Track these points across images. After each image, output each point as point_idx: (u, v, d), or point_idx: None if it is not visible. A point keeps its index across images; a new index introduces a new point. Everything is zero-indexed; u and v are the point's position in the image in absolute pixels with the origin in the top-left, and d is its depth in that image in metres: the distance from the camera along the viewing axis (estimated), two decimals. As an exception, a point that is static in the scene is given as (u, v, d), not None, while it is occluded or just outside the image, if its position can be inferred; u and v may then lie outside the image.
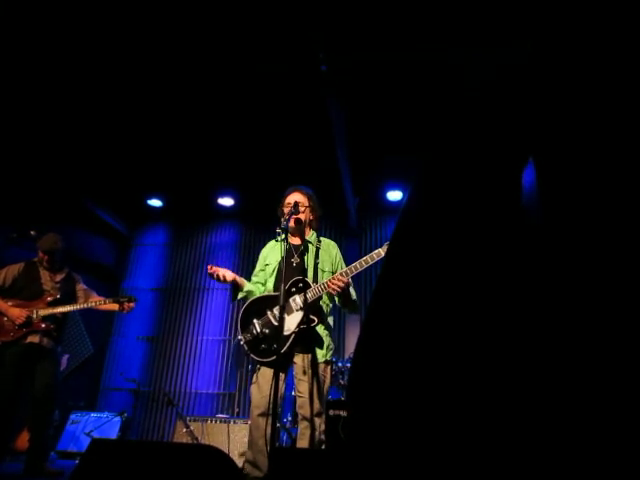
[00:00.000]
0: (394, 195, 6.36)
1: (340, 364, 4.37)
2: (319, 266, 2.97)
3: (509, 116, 0.80)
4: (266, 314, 2.83)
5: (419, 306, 0.82)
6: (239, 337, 2.86)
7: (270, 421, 2.63)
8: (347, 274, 2.76)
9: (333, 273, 2.95)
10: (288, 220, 2.79)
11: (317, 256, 2.97)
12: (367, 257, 2.77)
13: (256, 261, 3.24)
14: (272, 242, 3.23)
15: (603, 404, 0.62)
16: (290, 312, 2.77)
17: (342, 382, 4.25)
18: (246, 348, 2.80)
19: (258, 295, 2.97)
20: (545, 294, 0.70)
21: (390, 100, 4.71)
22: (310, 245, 3.05)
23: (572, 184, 0.72)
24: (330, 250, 3.09)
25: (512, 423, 0.67)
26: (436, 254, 0.86)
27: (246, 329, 2.83)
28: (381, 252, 2.76)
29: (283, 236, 3.07)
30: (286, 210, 3.03)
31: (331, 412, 3.80)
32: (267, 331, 2.78)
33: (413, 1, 3.56)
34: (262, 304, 2.88)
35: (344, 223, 6.75)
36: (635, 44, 0.72)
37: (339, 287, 2.71)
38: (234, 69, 4.37)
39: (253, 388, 2.75)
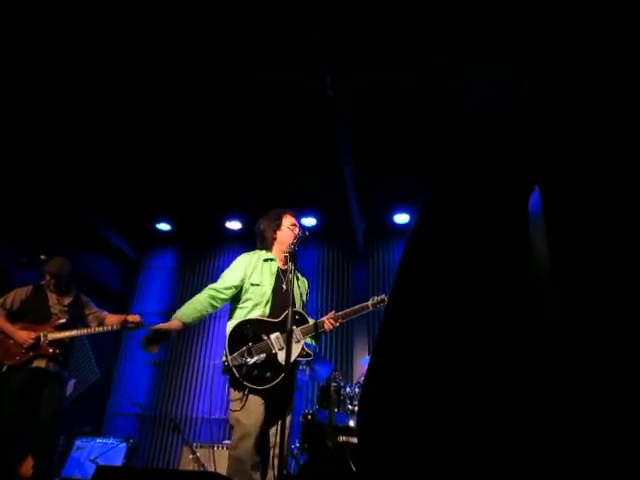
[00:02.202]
0: (401, 218, 6.35)
1: (348, 389, 4.31)
2: (302, 298, 3.02)
3: (516, 145, 0.81)
4: (263, 340, 2.65)
5: (429, 332, 0.82)
6: (227, 359, 2.60)
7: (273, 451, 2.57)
8: (341, 319, 2.92)
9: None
10: (296, 244, 2.78)
11: (299, 286, 2.97)
12: (357, 307, 3.00)
13: None
14: (252, 257, 3.01)
15: (602, 405, 0.62)
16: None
17: (350, 407, 4.18)
18: (236, 372, 2.55)
19: (250, 317, 2.76)
20: (551, 325, 0.70)
21: (397, 123, 4.76)
22: (290, 273, 2.97)
23: (576, 209, 0.73)
24: (306, 283, 3.17)
25: (524, 459, 0.66)
26: (445, 279, 0.85)
27: (237, 352, 2.60)
28: (369, 305, 3.01)
29: (269, 255, 3.05)
30: (293, 231, 3.04)
31: (340, 438, 3.73)
32: (264, 357, 2.60)
33: (421, 24, 3.63)
34: (257, 327, 2.69)
35: (351, 246, 6.74)
36: (628, 79, 0.74)
37: (332, 329, 2.89)
38: (242, 93, 4.45)
39: (241, 415, 2.50)
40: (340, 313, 2.94)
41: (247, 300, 2.84)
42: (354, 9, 3.53)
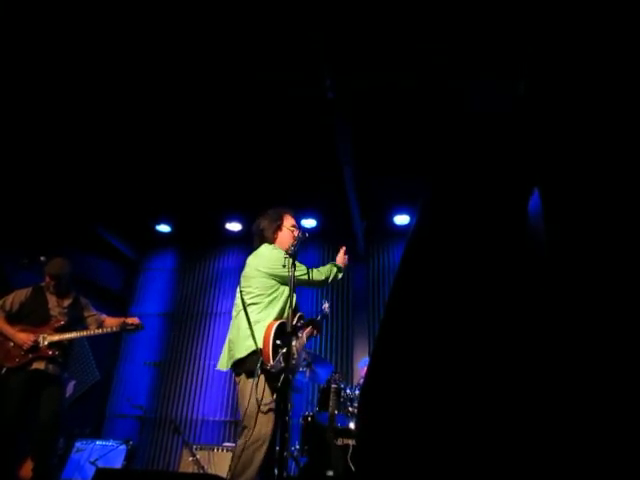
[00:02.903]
0: (402, 219, 6.34)
1: (348, 391, 4.31)
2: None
3: (515, 147, 0.81)
4: (291, 344, 2.57)
5: (429, 333, 0.81)
6: (269, 363, 2.51)
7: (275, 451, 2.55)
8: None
9: None
10: (297, 246, 2.77)
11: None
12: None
13: None
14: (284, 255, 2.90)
15: (603, 404, 0.61)
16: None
17: (350, 409, 4.18)
18: (276, 378, 2.50)
19: (280, 320, 2.72)
20: (550, 326, 0.70)
21: (397, 124, 4.76)
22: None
23: (576, 211, 0.73)
24: None
25: (525, 464, 0.66)
26: (444, 280, 0.85)
27: (276, 357, 2.54)
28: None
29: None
30: (293, 232, 3.02)
31: (340, 441, 3.73)
32: (292, 361, 2.55)
33: (421, 24, 3.64)
34: (282, 331, 2.65)
35: (351, 247, 6.71)
36: (622, 83, 0.74)
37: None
38: (242, 94, 4.45)
39: (264, 419, 2.45)
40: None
41: (279, 298, 2.81)
42: (354, 9, 3.53)
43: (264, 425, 2.45)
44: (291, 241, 2.89)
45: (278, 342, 2.59)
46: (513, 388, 0.72)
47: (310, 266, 3.00)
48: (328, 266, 3.05)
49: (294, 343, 2.64)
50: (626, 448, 0.61)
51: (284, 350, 2.57)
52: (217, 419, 6.21)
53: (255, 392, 2.50)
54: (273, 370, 2.50)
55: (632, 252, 0.67)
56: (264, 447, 2.41)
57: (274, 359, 2.52)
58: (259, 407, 2.48)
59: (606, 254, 0.70)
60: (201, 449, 4.42)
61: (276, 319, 2.72)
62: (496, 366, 0.75)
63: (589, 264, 0.70)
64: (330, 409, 3.95)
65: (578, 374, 0.66)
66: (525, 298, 0.76)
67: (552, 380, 0.68)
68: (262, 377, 2.53)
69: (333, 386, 4.09)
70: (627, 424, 0.61)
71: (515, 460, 0.70)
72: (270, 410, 2.48)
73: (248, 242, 3.18)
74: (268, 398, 2.51)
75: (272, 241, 3.03)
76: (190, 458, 4.31)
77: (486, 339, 0.77)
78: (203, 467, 4.25)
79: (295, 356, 2.63)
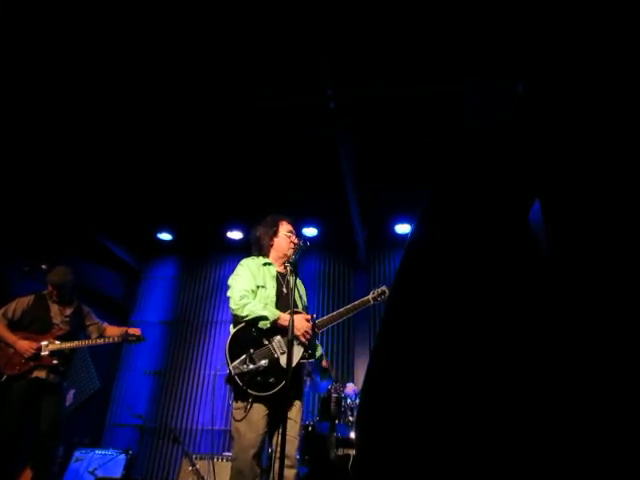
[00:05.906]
0: (403, 228, 6.36)
1: (349, 400, 4.29)
2: (303, 300, 2.96)
3: (516, 156, 0.82)
4: (264, 344, 2.59)
5: (427, 341, 0.82)
6: (229, 367, 2.52)
7: (273, 464, 2.52)
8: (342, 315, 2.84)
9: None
10: (298, 254, 2.79)
11: (298, 289, 2.89)
12: (357, 302, 2.90)
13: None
14: (253, 260, 2.96)
15: (603, 405, 0.61)
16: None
17: (351, 419, 4.16)
18: (239, 381, 2.47)
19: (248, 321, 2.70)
20: (555, 326, 0.70)
21: (398, 134, 4.78)
22: (290, 277, 2.87)
23: (576, 220, 0.74)
24: (302, 285, 3.08)
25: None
26: (443, 288, 0.85)
27: (239, 359, 2.53)
28: (370, 299, 2.90)
29: (267, 260, 3.00)
30: (290, 238, 3.00)
31: (340, 451, 3.71)
32: (265, 363, 2.52)
33: (421, 39, 3.67)
34: (257, 332, 2.63)
35: (353, 256, 6.74)
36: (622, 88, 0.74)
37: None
38: (243, 104, 4.48)
39: (243, 426, 2.44)
40: (342, 309, 2.86)
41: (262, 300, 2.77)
42: (356, 22, 3.57)
43: (241, 432, 2.44)
44: (288, 247, 2.89)
45: (250, 346, 2.59)
46: (516, 397, 0.72)
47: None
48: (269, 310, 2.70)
49: (276, 339, 2.62)
50: (626, 449, 0.61)
51: (249, 352, 2.55)
52: (217, 428, 6.18)
53: (233, 401, 2.56)
54: (234, 374, 2.49)
55: (635, 263, 0.67)
56: (246, 454, 2.39)
57: (232, 362, 2.53)
58: (232, 415, 2.53)
59: (609, 265, 0.70)
60: (201, 459, 4.39)
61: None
62: (497, 376, 0.75)
63: (591, 275, 0.71)
64: (331, 419, 3.94)
65: (581, 378, 0.66)
66: (526, 309, 0.76)
67: (556, 390, 0.68)
68: (236, 384, 2.53)
69: (334, 395, 4.07)
70: (627, 425, 0.61)
71: (517, 473, 0.70)
72: (245, 416, 2.46)
73: (249, 251, 3.18)
74: (240, 404, 2.50)
75: (268, 248, 3.03)
76: (190, 468, 4.29)
77: (487, 349, 0.77)
78: (203, 477, 4.22)
79: (267, 357, 2.57)
